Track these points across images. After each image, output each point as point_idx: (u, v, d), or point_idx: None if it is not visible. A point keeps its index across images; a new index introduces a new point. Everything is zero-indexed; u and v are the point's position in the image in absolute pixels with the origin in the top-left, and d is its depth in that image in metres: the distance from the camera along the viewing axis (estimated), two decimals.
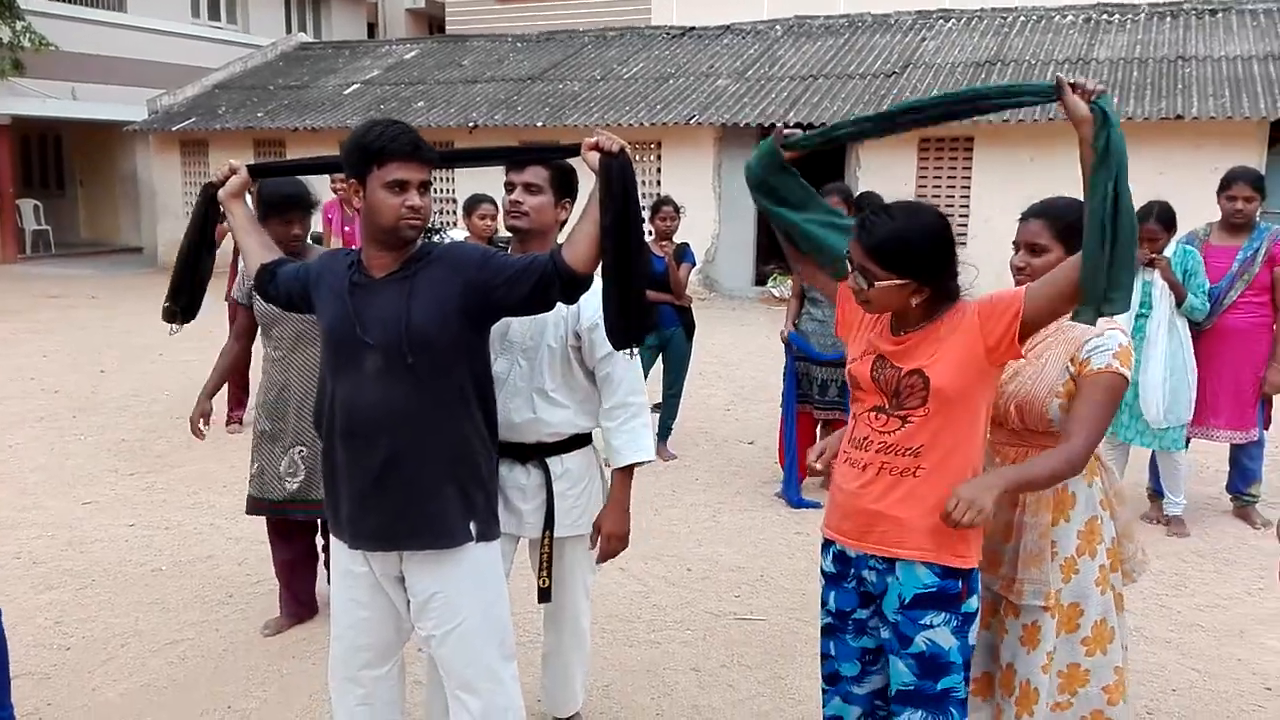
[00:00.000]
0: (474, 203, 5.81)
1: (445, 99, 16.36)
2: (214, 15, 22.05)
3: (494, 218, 5.65)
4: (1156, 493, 5.41)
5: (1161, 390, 4.89)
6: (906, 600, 2.33)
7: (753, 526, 5.31)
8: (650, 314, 2.54)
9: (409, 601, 2.57)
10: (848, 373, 2.46)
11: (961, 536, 2.30)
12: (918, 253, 2.24)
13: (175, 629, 4.09)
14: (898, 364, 2.32)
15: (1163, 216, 4.89)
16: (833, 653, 2.55)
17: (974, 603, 2.36)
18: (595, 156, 2.33)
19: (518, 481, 2.83)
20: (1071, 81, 2.10)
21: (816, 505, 5.50)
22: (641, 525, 5.27)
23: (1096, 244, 2.08)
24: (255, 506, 3.99)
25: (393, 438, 2.42)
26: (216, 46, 20.81)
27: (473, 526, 2.50)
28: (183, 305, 2.87)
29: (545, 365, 2.76)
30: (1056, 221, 2.62)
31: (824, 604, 2.55)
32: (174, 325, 2.90)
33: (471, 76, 17.19)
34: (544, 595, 2.86)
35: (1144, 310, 4.95)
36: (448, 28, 22.03)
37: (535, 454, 2.81)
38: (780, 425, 5.79)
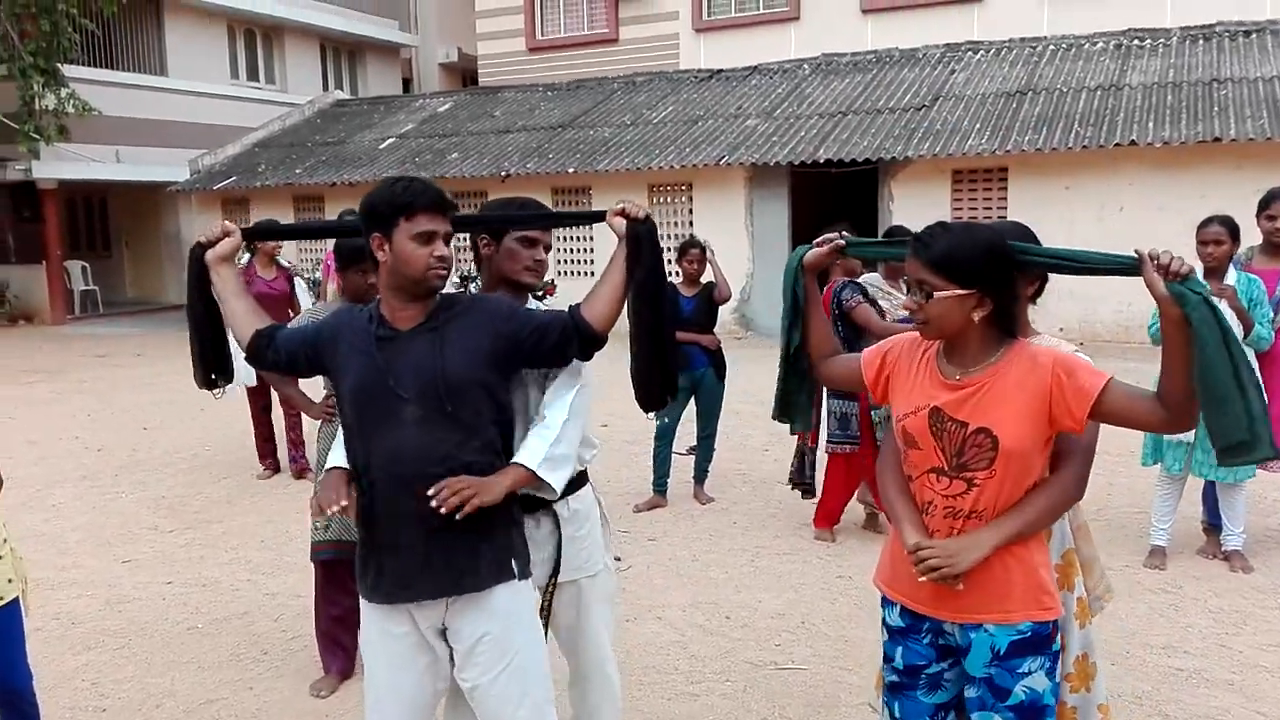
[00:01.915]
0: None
1: (478, 149, 16.57)
2: (252, 76, 22.57)
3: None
4: (1213, 526, 5.23)
5: None
6: (1002, 650, 2.21)
7: (793, 571, 5.20)
8: (674, 377, 2.61)
9: (451, 654, 2.53)
10: (900, 429, 2.30)
11: (1043, 587, 2.23)
12: (977, 260, 2.14)
13: (210, 689, 4.06)
14: (960, 419, 2.19)
15: (1227, 222, 4.82)
16: (899, 714, 2.39)
17: (1060, 640, 2.30)
18: (621, 223, 2.48)
19: (529, 534, 2.77)
20: (1152, 254, 2.01)
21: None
22: (678, 572, 5.21)
23: (1230, 389, 1.97)
24: (330, 549, 3.90)
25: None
26: (255, 106, 21.29)
27: (514, 564, 2.53)
28: (216, 369, 2.84)
29: (534, 404, 2.71)
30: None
31: (887, 659, 2.41)
32: (217, 390, 2.88)
33: (504, 126, 17.41)
34: None
35: None
36: (480, 80, 22.34)
37: (544, 502, 2.75)
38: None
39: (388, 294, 2.49)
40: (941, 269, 2.15)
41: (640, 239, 2.48)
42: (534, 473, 2.51)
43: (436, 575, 2.44)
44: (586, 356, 2.56)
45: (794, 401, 2.74)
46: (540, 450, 2.53)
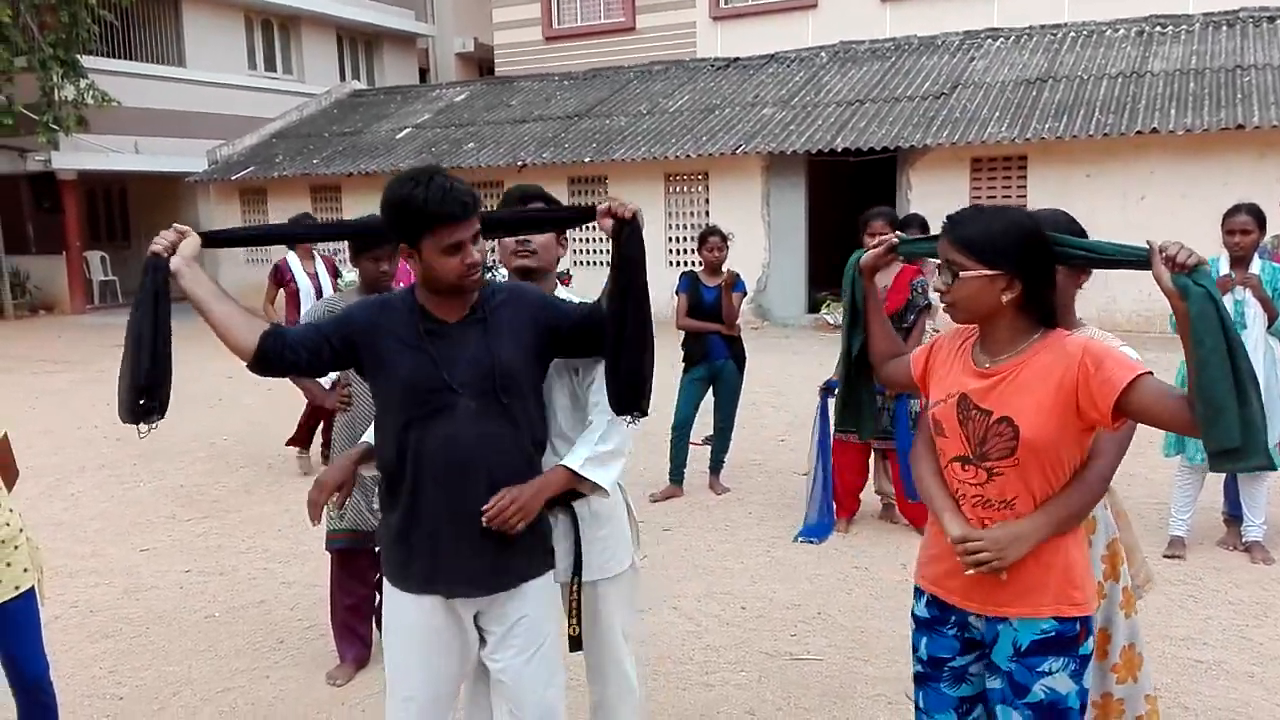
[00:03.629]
0: None
1: (494, 139, 16.56)
2: (270, 66, 22.61)
3: None
4: (1234, 518, 5.19)
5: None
6: (1023, 647, 2.17)
7: (809, 561, 5.18)
8: (649, 381, 2.52)
9: (481, 636, 2.54)
10: (931, 416, 2.29)
11: (1074, 582, 2.18)
12: (1005, 239, 2.10)
13: (227, 676, 4.08)
14: (985, 407, 2.15)
15: (1254, 211, 4.77)
16: (923, 704, 2.37)
17: (1090, 644, 2.23)
18: (610, 223, 2.42)
19: None
20: (1161, 246, 1.97)
21: (822, 531, 5.48)
22: (694, 562, 5.20)
23: (1225, 392, 1.92)
24: (346, 539, 3.91)
25: (496, 476, 2.41)
26: (273, 96, 21.33)
27: (549, 556, 2.60)
28: (156, 401, 2.52)
29: (556, 409, 2.69)
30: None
31: (914, 650, 2.39)
32: (143, 426, 2.51)
33: (520, 116, 17.38)
34: (575, 644, 2.77)
35: (1237, 330, 4.77)
36: (497, 69, 22.33)
37: (561, 500, 2.73)
38: (811, 459, 5.74)
39: (425, 293, 2.46)
40: (968, 248, 2.12)
41: (624, 240, 2.41)
42: (576, 473, 2.52)
43: (483, 571, 2.44)
44: None
45: (860, 407, 2.69)
46: (584, 450, 2.55)
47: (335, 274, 7.46)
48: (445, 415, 2.38)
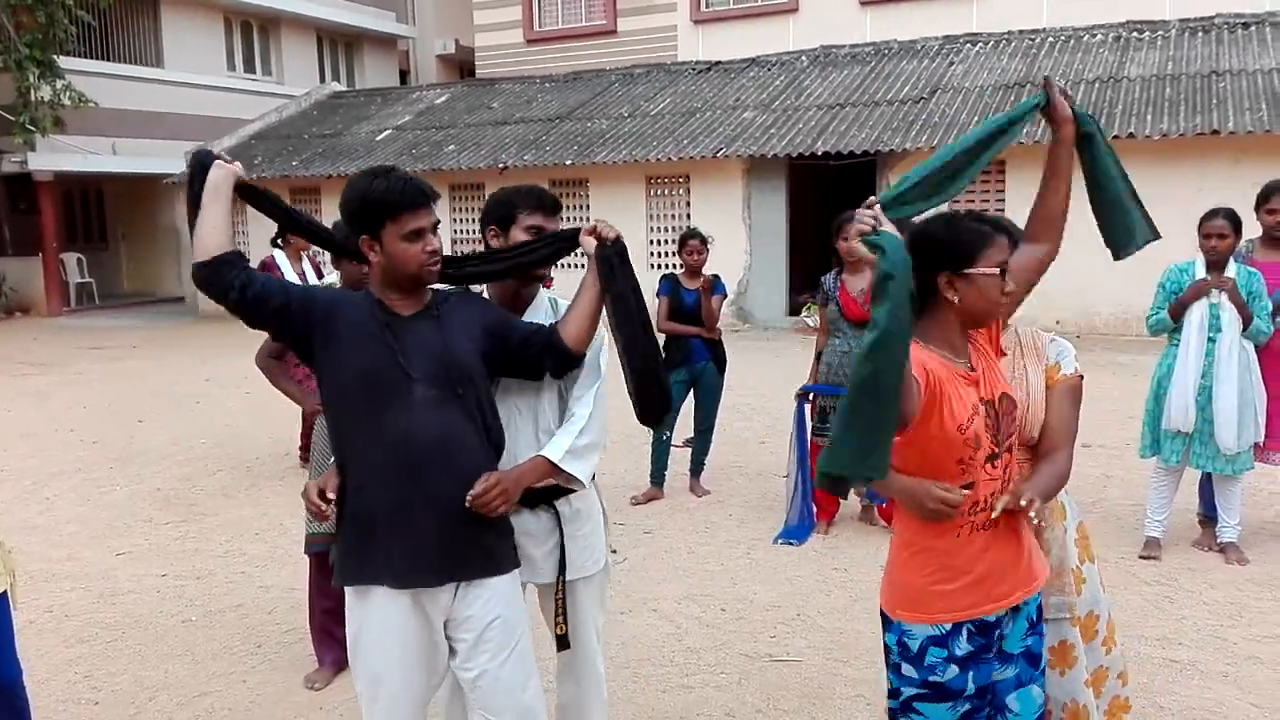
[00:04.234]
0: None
1: (475, 141, 16.53)
2: (249, 68, 22.48)
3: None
4: (1208, 519, 5.23)
5: (1236, 415, 4.77)
6: (1034, 617, 2.31)
7: (788, 563, 5.19)
8: (668, 388, 2.64)
9: (454, 648, 2.52)
10: (972, 435, 2.14)
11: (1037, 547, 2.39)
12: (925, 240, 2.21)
13: (204, 681, 4.05)
14: (991, 395, 2.22)
15: (1230, 216, 4.81)
16: None
17: None
18: (592, 242, 2.53)
19: (527, 527, 2.75)
20: (1047, 80, 2.41)
21: (801, 534, 5.50)
22: (674, 564, 5.20)
23: (1127, 195, 2.49)
24: (325, 542, 3.84)
25: (459, 465, 2.42)
26: (252, 98, 21.19)
27: (514, 552, 2.61)
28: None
29: (545, 403, 2.71)
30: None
31: (958, 693, 2.20)
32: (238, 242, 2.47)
33: (501, 118, 17.36)
34: (562, 643, 2.77)
35: (1213, 335, 4.83)
36: (478, 71, 22.28)
37: (544, 497, 2.74)
38: (790, 463, 5.76)
39: (383, 288, 2.49)
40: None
41: (610, 261, 2.53)
42: (555, 464, 2.57)
43: (448, 560, 2.44)
44: (559, 374, 2.64)
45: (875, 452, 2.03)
46: (564, 443, 2.60)
47: (319, 276, 7.42)
48: (403, 403, 2.40)
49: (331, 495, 2.50)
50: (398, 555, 2.42)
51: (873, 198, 2.16)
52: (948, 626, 2.19)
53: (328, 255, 4.98)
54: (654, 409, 2.61)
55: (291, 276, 7.15)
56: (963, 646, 2.19)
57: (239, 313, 2.43)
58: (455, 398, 2.43)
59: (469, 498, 2.38)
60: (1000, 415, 2.20)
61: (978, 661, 2.21)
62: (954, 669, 2.19)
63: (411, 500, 2.40)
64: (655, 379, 2.59)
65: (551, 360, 2.57)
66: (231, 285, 2.38)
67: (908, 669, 2.22)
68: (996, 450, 2.20)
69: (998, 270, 2.15)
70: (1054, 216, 2.38)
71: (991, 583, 2.19)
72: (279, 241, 7.13)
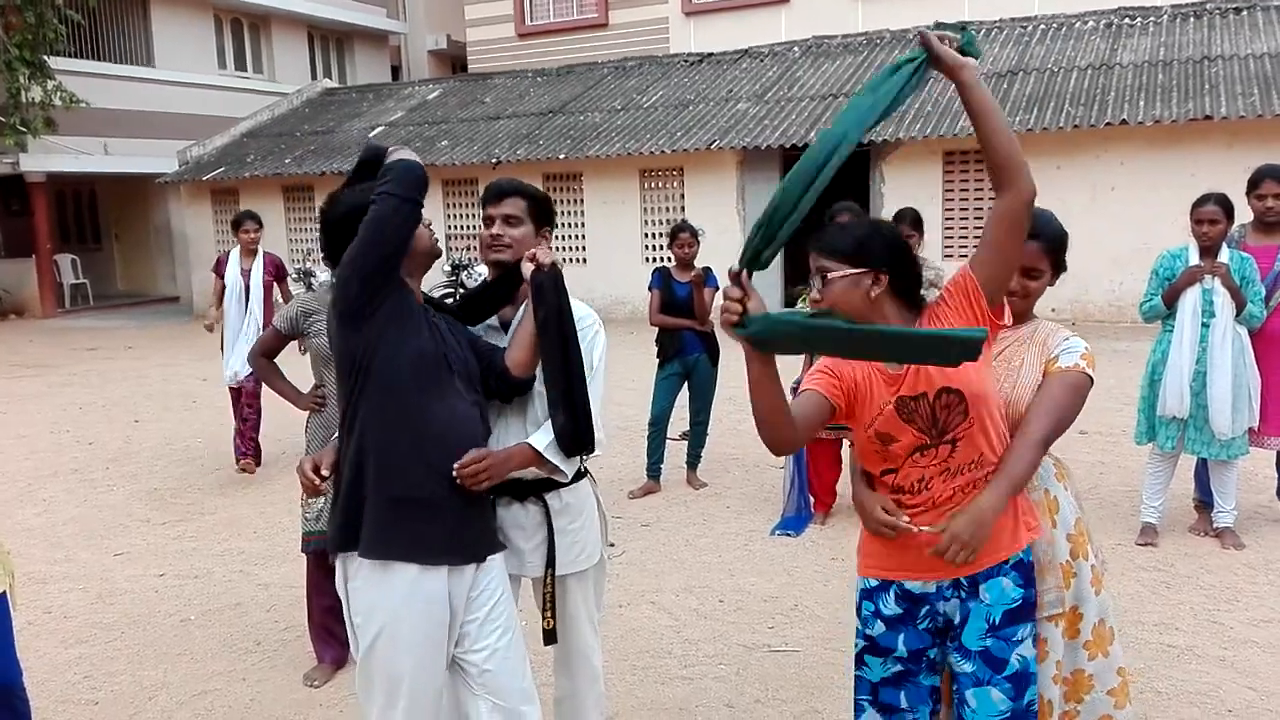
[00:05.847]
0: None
1: (468, 136, 16.49)
2: (240, 65, 22.42)
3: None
4: (1204, 504, 5.25)
5: (1231, 400, 4.78)
6: (996, 620, 2.28)
7: (785, 554, 5.20)
8: (590, 424, 2.63)
9: (463, 633, 2.55)
10: (874, 434, 2.27)
11: (1025, 510, 2.35)
12: (863, 238, 2.26)
13: (203, 680, 4.05)
14: (919, 392, 2.21)
15: (1222, 201, 4.81)
16: (904, 704, 2.38)
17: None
18: (529, 268, 2.58)
19: (516, 520, 2.76)
20: (925, 35, 2.16)
21: (798, 525, 5.51)
22: (672, 556, 5.21)
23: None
24: (322, 539, 3.82)
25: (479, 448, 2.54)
26: (243, 96, 21.13)
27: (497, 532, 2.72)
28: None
29: (536, 399, 2.70)
30: (1049, 243, 2.61)
31: (888, 651, 2.36)
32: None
33: (494, 113, 17.32)
34: (550, 637, 2.78)
35: (1206, 320, 4.84)
36: (470, 66, 22.22)
37: (534, 490, 2.74)
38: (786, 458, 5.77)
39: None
40: (830, 252, 2.27)
41: (541, 286, 2.57)
42: (540, 454, 2.59)
43: (476, 540, 2.55)
44: (505, 399, 2.67)
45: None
46: (550, 434, 2.62)
47: (279, 276, 7.35)
48: (446, 391, 2.49)
49: (326, 471, 2.52)
50: (437, 534, 2.46)
51: (732, 265, 2.14)
52: (874, 582, 2.38)
53: (302, 256, 4.97)
54: (580, 436, 2.59)
55: (232, 273, 7.13)
56: (890, 606, 2.35)
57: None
58: (475, 392, 2.57)
59: (456, 467, 2.43)
60: (936, 409, 2.21)
61: (906, 626, 2.34)
62: (881, 625, 2.36)
63: (444, 482, 2.45)
64: (583, 406, 2.58)
65: (494, 383, 2.62)
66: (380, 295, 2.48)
67: (858, 622, 2.43)
68: (929, 441, 2.24)
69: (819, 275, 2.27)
70: (1003, 158, 2.15)
71: (916, 555, 2.29)
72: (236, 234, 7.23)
